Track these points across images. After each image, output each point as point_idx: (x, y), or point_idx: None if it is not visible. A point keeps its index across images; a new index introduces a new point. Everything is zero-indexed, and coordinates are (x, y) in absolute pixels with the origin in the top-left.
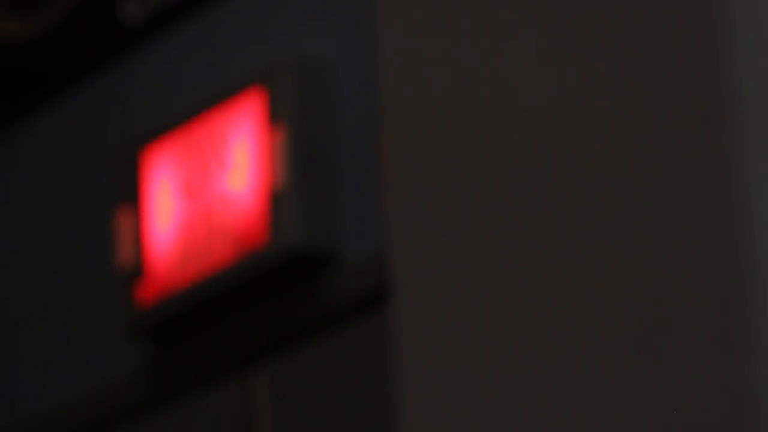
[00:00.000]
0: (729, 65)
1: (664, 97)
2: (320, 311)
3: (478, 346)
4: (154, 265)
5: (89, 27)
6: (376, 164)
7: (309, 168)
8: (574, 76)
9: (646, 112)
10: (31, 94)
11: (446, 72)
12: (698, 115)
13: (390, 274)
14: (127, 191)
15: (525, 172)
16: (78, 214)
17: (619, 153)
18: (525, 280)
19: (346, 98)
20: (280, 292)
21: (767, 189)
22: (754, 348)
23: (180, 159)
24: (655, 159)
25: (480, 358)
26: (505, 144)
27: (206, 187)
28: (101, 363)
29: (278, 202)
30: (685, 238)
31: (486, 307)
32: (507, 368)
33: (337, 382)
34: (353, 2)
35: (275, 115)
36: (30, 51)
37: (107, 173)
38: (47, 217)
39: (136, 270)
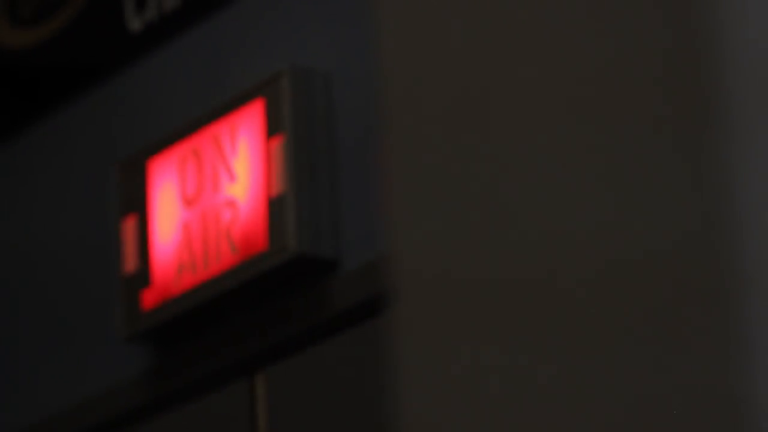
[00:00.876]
0: (723, 63)
1: (661, 95)
2: (319, 317)
3: (479, 351)
4: (157, 271)
5: (92, 36)
6: (375, 172)
7: (308, 176)
8: (574, 79)
9: (643, 111)
10: (35, 103)
11: (446, 79)
12: (694, 113)
13: (389, 281)
14: (131, 199)
15: (525, 178)
16: (82, 221)
17: (618, 153)
18: (525, 285)
19: (344, 107)
20: (280, 298)
21: (765, 187)
22: (753, 348)
23: (182, 168)
24: (654, 158)
25: (481, 362)
26: (505, 150)
27: (208, 195)
28: (105, 367)
29: (278, 210)
30: (683, 237)
31: (487, 311)
32: (507, 372)
33: (336, 386)
34: (351, 13)
35: (275, 125)
36: (34, 59)
37: (111, 182)
38: (51, 224)
39: (140, 276)
